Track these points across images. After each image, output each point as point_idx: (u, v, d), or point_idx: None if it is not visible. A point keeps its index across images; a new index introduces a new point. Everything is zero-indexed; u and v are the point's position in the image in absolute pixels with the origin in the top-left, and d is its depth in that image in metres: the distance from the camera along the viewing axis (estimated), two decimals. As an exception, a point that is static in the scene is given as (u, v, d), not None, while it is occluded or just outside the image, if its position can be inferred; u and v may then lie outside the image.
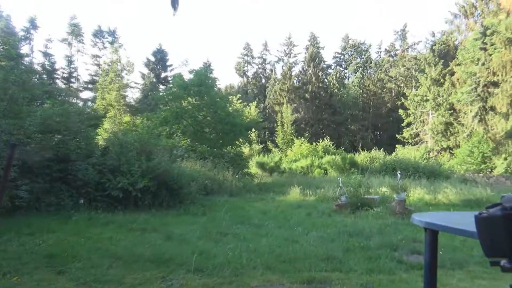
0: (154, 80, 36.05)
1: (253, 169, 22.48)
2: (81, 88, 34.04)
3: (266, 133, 40.15)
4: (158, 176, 8.64)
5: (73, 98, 27.79)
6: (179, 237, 5.74)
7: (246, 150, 24.27)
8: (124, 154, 8.89)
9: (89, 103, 30.08)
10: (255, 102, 37.29)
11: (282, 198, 11.96)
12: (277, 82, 41.80)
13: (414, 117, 30.87)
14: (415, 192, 11.71)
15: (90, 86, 34.11)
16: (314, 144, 25.90)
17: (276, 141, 32.66)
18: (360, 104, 40.37)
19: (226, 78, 68.75)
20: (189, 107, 17.21)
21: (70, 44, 33.55)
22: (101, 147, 9.74)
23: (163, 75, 36.93)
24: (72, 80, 33.79)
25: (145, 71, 36.78)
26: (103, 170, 8.44)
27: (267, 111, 41.81)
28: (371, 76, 43.70)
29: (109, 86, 28.68)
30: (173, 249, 4.92)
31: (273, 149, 31.19)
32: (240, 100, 33.62)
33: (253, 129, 29.20)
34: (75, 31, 33.51)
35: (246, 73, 48.75)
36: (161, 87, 34.96)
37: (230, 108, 19.17)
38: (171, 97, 17.61)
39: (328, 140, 26.51)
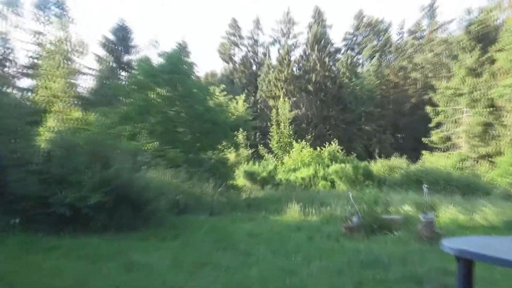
0: (114, 65, 35.81)
1: (240, 180, 22.50)
2: (18, 74, 33.63)
3: (258, 134, 40.24)
4: (116, 189, 8.57)
5: (7, 87, 27.38)
6: (143, 267, 5.70)
7: (231, 156, 24.31)
8: (73, 160, 8.80)
9: (29, 94, 29.70)
10: (244, 95, 37.27)
11: (277, 218, 12.00)
12: (272, 69, 42.06)
13: (445, 116, 31.20)
14: (446, 211, 11.81)
15: (29, 71, 33.71)
16: (318, 149, 26.09)
17: (270, 145, 32.80)
18: (377, 98, 40.83)
19: (206, 63, 68.76)
20: (158, 100, 17.17)
21: (4, 18, 33.16)
22: (43, 150, 9.62)
23: (125, 58, 36.72)
24: (7, 63, 33.36)
25: (102, 53, 36.58)
26: (46, 181, 8.33)
27: (258, 106, 42.01)
28: (391, 63, 44.29)
29: (55, 72, 28.35)
30: (135, 283, 4.88)
31: (266, 155, 31.30)
32: (225, 92, 33.54)
33: (241, 129, 29.20)
34: (12, 1, 33.14)
35: (233, 57, 48.87)
36: (123, 74, 34.76)
37: (211, 102, 19.19)
38: (134, 87, 17.52)
39: (336, 144, 26.74)
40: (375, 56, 44.81)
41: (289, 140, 31.78)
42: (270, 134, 33.57)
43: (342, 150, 26.68)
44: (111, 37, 36.63)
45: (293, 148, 27.97)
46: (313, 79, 39.81)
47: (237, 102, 35.85)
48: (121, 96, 18.80)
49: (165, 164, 14.05)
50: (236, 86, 44.03)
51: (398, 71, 42.44)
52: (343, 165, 22.93)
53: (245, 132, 31.34)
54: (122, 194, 8.67)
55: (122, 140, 12.70)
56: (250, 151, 30.74)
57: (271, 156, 31.12)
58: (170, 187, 11.53)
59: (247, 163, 27.03)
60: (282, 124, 33.20)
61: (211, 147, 18.13)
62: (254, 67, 48.01)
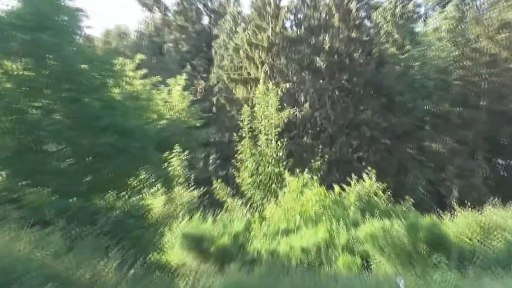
0: None
1: (175, 254, 22.33)
2: None
3: (213, 158, 40.08)
4: None
5: None
6: None
7: (156, 202, 24.14)
8: None
9: None
10: (184, 76, 37.15)
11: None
12: (243, 25, 42.33)
13: None
14: None
15: None
16: (336, 188, 26.19)
17: (238, 180, 32.77)
18: (456, 86, 41.42)
19: (108, 13, 68.17)
20: (7, 85, 17.01)
21: None
22: None
23: None
24: None
25: None
26: None
27: (214, 99, 41.98)
28: (484, 17, 44.97)
29: None
30: None
31: (230, 201, 31.24)
32: (143, 70, 33.44)
33: (177, 147, 29.11)
34: None
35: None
36: None
37: (115, 91, 19.09)
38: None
39: (374, 178, 26.88)
40: (450, 2, 45.53)
41: (276, 169, 31.84)
42: (239, 157, 33.57)
43: (385, 191, 26.81)
44: None
45: (285, 185, 27.99)
46: (327, 46, 40.30)
47: (170, 91, 35.65)
48: None
49: (19, 219, 13.92)
50: (168, 57, 44.20)
51: (497, 32, 43.12)
52: (386, 222, 22.94)
53: (186, 152, 31.28)
54: None
55: None
56: (196, 193, 30.65)
57: (240, 203, 31.06)
58: (28, 266, 11.42)
59: (190, 218, 26.83)
60: (262, 137, 33.26)
61: (115, 184, 17.95)
62: (205, 21, 48.46)
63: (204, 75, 44.16)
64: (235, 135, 34.74)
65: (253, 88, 37.18)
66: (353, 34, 41.05)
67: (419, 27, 46.08)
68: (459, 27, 42.84)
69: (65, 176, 16.87)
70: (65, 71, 17.01)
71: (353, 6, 41.60)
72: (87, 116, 16.77)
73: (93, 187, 17.39)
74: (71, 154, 17.48)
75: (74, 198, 16.35)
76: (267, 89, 34.96)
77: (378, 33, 43.08)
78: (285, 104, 36.03)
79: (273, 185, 30.67)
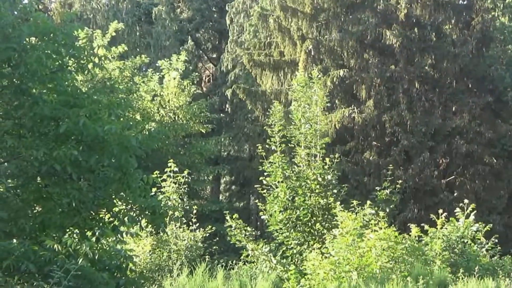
0: None
1: None
2: None
3: (224, 181, 40.11)
4: None
5: None
6: None
7: (140, 248, 24.13)
8: None
9: None
10: (183, 56, 37.15)
11: None
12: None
13: None
14: None
15: None
16: (412, 231, 26.04)
17: (263, 215, 32.62)
18: None
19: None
20: None
21: None
22: None
23: None
24: None
25: None
26: None
27: (228, 92, 41.98)
28: None
29: None
30: None
31: (250, 246, 31.13)
32: (122, 46, 33.58)
33: (171, 164, 29.18)
34: None
35: None
36: None
37: (80, 78, 19.06)
38: None
39: (472, 216, 26.66)
40: None
41: (322, 200, 31.59)
42: (265, 181, 33.31)
43: (489, 236, 26.53)
44: None
45: (336, 225, 27.81)
46: (402, 14, 40.31)
47: (161, 79, 35.69)
48: None
49: None
50: (160, 28, 44.45)
51: None
52: (490, 283, 22.62)
53: (185, 173, 31.28)
54: None
55: None
56: (200, 234, 30.62)
57: (266, 250, 30.88)
58: None
59: (190, 271, 26.66)
60: (301, 151, 33.02)
61: (77, 219, 17.70)
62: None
63: (214, 56, 44.36)
64: (259, 147, 34.67)
65: (289, 76, 37.21)
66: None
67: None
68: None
69: (3, 206, 16.77)
70: (2, 48, 16.89)
71: None
72: (36, 117, 16.56)
73: (45, 223, 16.96)
74: (12, 174, 17.40)
75: (15, 240, 16.19)
76: (310, 78, 34.88)
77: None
78: (337, 102, 35.97)
79: (317, 225, 30.49)
